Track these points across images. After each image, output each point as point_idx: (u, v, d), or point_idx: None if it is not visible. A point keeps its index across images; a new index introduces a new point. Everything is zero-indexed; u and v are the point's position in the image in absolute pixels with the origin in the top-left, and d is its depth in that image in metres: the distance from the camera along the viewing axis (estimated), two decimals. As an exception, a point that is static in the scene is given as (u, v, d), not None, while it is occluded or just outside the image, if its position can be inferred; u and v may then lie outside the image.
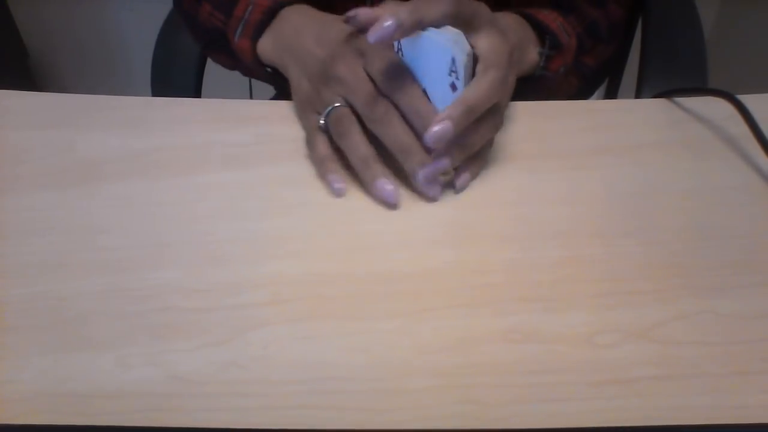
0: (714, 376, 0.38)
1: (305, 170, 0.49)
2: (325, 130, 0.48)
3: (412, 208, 0.47)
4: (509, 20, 0.57)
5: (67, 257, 0.44)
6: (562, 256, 0.44)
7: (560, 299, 0.41)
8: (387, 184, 0.46)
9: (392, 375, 0.38)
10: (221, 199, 0.47)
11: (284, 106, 0.54)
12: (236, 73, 0.63)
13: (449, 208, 0.47)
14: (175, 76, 0.73)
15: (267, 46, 0.56)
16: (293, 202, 0.47)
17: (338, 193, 0.48)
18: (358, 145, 0.47)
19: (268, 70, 0.58)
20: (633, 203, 0.47)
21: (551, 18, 0.58)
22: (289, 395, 0.37)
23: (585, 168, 0.49)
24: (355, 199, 0.47)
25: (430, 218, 0.46)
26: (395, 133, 0.46)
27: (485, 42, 0.45)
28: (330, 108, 0.47)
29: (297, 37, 0.52)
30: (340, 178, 0.48)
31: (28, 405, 0.37)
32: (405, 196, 0.47)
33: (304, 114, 0.51)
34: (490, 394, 0.37)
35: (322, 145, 0.49)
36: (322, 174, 0.48)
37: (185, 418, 0.36)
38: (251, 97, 0.65)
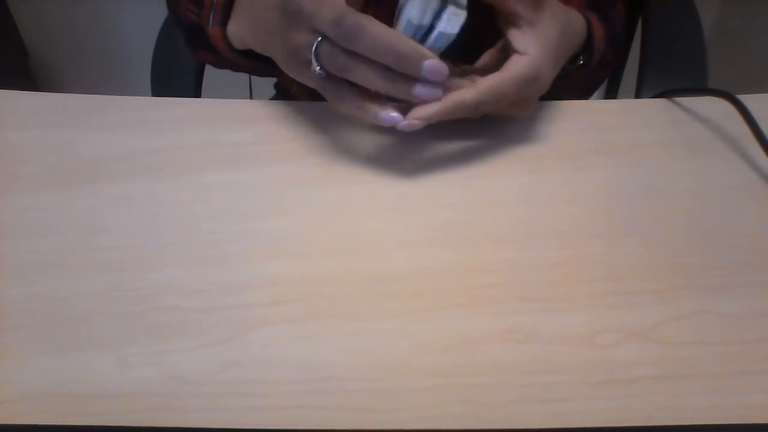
0: (714, 376, 0.38)
1: (305, 170, 0.49)
2: (326, 74, 0.44)
3: (412, 208, 0.47)
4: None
5: (67, 257, 0.44)
6: (562, 256, 0.44)
7: (560, 299, 0.41)
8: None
9: (392, 375, 0.38)
10: (221, 199, 0.47)
11: (284, 106, 0.54)
12: (236, 74, 0.63)
13: (449, 208, 0.47)
14: (175, 76, 0.73)
15: (235, 28, 0.52)
16: (293, 202, 0.47)
17: (397, 123, 0.44)
18: (366, 73, 0.43)
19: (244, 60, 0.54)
20: (633, 203, 0.47)
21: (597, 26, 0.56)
22: (289, 395, 0.37)
23: (585, 168, 0.49)
24: (355, 198, 0.47)
25: (430, 218, 0.46)
26: (374, 44, 0.41)
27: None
28: (313, 48, 0.43)
29: (252, 3, 0.49)
30: (391, 108, 0.45)
31: (28, 405, 0.37)
32: (405, 196, 0.47)
33: (300, 73, 0.46)
34: (490, 394, 0.37)
35: (344, 89, 0.44)
36: (372, 116, 0.45)
37: (185, 418, 0.36)
38: (251, 97, 0.65)
